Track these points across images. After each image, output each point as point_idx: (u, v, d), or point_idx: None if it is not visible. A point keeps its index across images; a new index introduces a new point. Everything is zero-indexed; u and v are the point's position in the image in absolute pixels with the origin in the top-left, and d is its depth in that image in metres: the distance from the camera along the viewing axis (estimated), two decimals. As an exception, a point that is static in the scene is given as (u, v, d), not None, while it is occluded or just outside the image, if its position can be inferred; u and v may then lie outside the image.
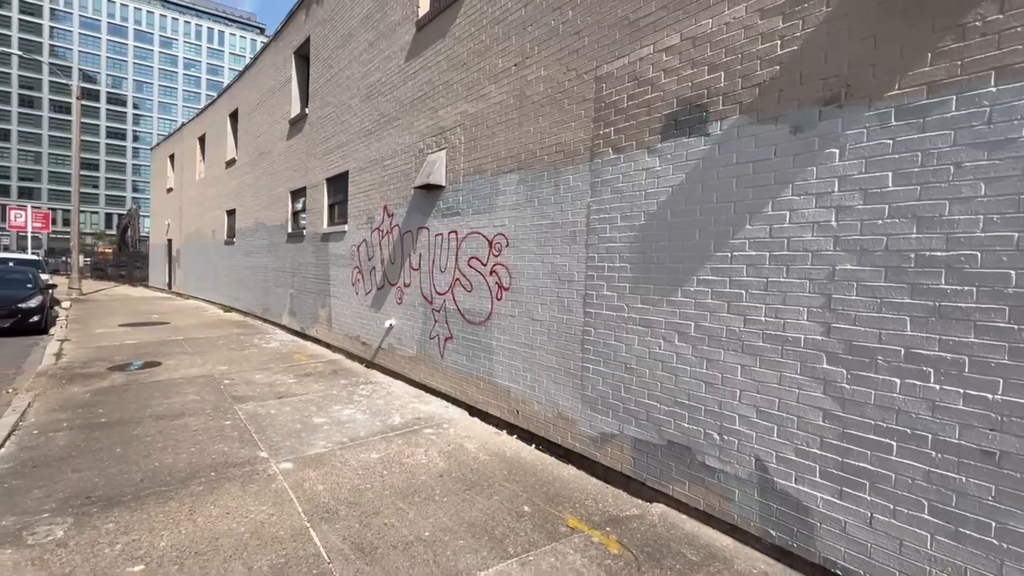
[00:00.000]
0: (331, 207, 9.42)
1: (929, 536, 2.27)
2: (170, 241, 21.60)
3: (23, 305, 10.64)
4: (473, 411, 5.46)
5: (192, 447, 4.35)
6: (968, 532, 2.17)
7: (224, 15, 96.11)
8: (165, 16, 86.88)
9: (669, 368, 3.41)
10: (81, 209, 18.77)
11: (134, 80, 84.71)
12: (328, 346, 9.15)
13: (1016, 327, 2.06)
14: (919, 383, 2.30)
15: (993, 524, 2.11)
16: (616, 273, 3.79)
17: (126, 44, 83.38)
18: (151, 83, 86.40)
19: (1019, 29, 2.06)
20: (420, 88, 6.47)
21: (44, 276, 13.91)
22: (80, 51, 79.47)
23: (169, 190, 22.01)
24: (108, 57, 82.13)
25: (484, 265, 5.28)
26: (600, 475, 3.93)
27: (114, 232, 61.57)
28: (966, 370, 2.17)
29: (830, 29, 2.63)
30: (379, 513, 3.31)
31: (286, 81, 11.21)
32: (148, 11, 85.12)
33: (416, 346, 6.49)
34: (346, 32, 8.58)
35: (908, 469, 2.34)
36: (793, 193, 2.74)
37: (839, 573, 2.58)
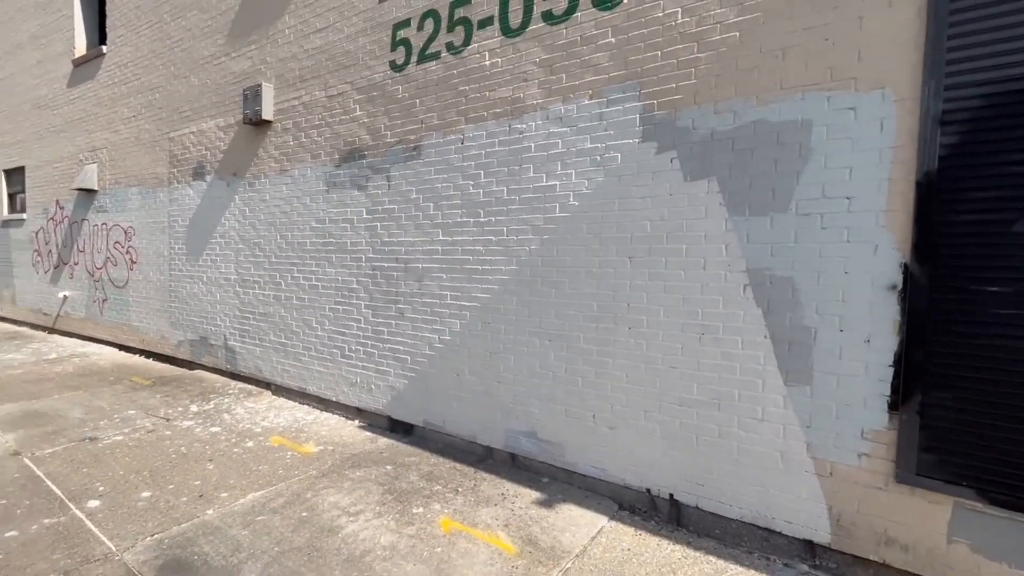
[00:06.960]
0: (11, 196, 10.44)
1: (258, 351, 5.87)
2: None
3: None
4: (122, 348, 7.96)
5: None
6: (269, 343, 5.80)
7: None
8: None
9: (199, 299, 6.59)
10: None
11: None
12: (13, 321, 10.29)
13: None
14: (256, 291, 5.86)
15: (268, 339, 5.76)
16: (181, 251, 6.82)
17: None
18: None
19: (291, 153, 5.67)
20: (79, 112, 8.49)
21: None
22: None
23: None
24: None
25: (123, 247, 7.79)
26: (177, 364, 6.98)
27: None
28: (266, 281, 5.78)
29: (231, 147, 6.03)
30: (5, 388, 5.79)
31: (-46, 67, 11.36)
32: None
33: (84, 310, 8.60)
34: (17, 42, 9.77)
35: (261, 326, 5.89)
36: (227, 212, 6.11)
37: (243, 375, 6.08)
